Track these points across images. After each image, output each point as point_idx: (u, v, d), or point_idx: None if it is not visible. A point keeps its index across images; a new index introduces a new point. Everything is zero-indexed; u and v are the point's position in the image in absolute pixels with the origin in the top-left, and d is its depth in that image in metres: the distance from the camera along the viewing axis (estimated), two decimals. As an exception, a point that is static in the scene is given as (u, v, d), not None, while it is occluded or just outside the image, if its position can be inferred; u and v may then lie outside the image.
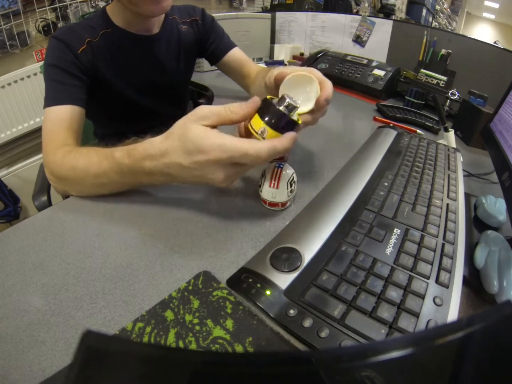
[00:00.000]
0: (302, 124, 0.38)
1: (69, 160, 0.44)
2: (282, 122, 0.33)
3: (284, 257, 0.32)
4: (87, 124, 0.76)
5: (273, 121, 0.33)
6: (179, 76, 0.76)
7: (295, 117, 0.35)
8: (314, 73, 0.40)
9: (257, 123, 0.34)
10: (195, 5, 0.78)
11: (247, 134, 0.36)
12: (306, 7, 1.51)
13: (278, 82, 0.41)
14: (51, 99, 0.53)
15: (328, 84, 0.39)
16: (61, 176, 0.45)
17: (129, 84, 0.67)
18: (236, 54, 0.81)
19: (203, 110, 0.33)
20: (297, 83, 0.39)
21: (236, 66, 0.80)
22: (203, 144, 0.32)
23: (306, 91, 0.39)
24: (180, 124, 0.34)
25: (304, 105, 0.39)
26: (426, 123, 0.77)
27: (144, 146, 0.36)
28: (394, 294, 0.28)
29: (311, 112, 0.40)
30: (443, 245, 0.35)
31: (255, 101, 0.34)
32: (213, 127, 0.34)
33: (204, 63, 1.15)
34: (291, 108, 0.34)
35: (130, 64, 0.65)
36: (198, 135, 0.32)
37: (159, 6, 0.56)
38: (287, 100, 0.33)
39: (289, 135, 0.34)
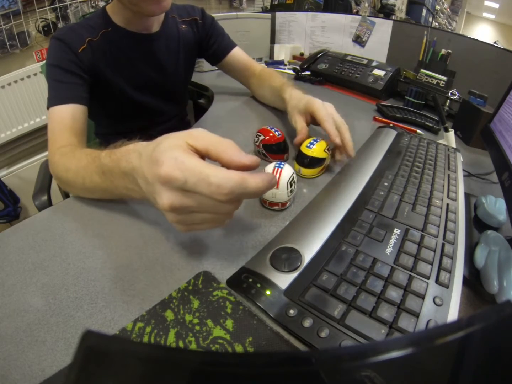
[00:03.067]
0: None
1: (63, 161, 0.45)
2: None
3: (284, 257, 0.32)
4: (88, 124, 0.76)
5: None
6: (179, 75, 0.76)
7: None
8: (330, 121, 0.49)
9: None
10: (194, 5, 0.78)
11: None
12: (306, 7, 1.51)
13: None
14: (54, 99, 0.53)
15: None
16: (57, 177, 0.46)
17: (129, 82, 0.67)
18: (237, 54, 0.81)
19: (198, 134, 0.28)
20: None
21: (238, 66, 0.81)
22: (163, 155, 0.26)
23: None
24: (167, 134, 0.29)
25: None
26: (426, 123, 0.77)
27: (127, 147, 0.33)
28: (394, 294, 0.28)
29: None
30: (443, 245, 0.35)
31: (254, 161, 0.27)
32: (201, 157, 0.27)
33: (204, 63, 1.15)
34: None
35: (130, 63, 0.65)
36: (167, 147, 0.26)
37: (159, 5, 0.56)
38: None
39: (266, 175, 0.26)
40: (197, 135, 0.27)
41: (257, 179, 0.25)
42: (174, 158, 0.25)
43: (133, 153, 0.31)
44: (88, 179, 0.39)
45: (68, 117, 0.52)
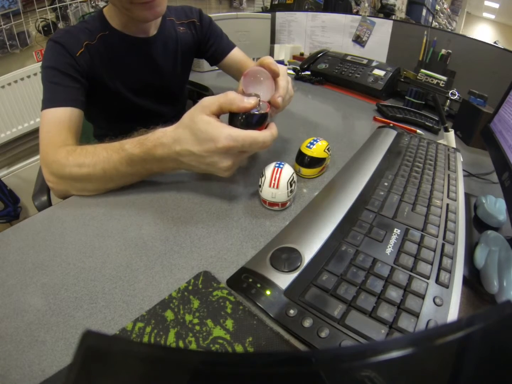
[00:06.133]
0: (273, 110, 0.42)
1: (75, 158, 0.44)
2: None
3: (284, 257, 0.32)
4: (88, 126, 0.76)
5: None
6: (177, 77, 0.76)
7: (262, 110, 0.38)
8: (264, 62, 0.41)
9: None
10: (192, 6, 0.78)
11: None
12: (306, 7, 1.51)
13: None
14: (49, 101, 0.52)
15: (277, 67, 0.42)
16: (65, 175, 0.44)
17: (127, 85, 0.67)
18: (236, 54, 0.81)
19: (207, 100, 0.37)
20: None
21: (237, 67, 0.82)
22: (212, 132, 0.35)
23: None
24: (188, 114, 0.37)
25: (267, 94, 0.42)
26: (426, 123, 0.77)
27: (156, 135, 0.39)
28: (394, 294, 0.28)
29: (277, 94, 0.42)
30: (443, 245, 0.35)
31: (254, 98, 0.37)
32: (217, 116, 0.37)
33: (204, 63, 1.15)
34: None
35: (128, 66, 0.65)
36: (206, 124, 0.35)
37: (152, 12, 0.56)
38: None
39: (274, 125, 0.39)
40: (208, 104, 0.36)
41: (276, 129, 0.39)
42: (228, 133, 0.34)
43: (168, 141, 0.38)
44: (111, 170, 0.42)
45: (65, 119, 0.51)
